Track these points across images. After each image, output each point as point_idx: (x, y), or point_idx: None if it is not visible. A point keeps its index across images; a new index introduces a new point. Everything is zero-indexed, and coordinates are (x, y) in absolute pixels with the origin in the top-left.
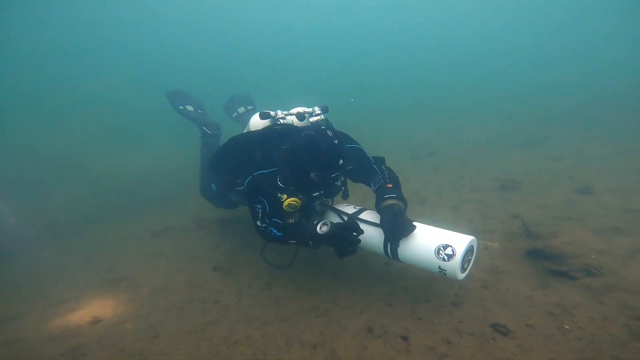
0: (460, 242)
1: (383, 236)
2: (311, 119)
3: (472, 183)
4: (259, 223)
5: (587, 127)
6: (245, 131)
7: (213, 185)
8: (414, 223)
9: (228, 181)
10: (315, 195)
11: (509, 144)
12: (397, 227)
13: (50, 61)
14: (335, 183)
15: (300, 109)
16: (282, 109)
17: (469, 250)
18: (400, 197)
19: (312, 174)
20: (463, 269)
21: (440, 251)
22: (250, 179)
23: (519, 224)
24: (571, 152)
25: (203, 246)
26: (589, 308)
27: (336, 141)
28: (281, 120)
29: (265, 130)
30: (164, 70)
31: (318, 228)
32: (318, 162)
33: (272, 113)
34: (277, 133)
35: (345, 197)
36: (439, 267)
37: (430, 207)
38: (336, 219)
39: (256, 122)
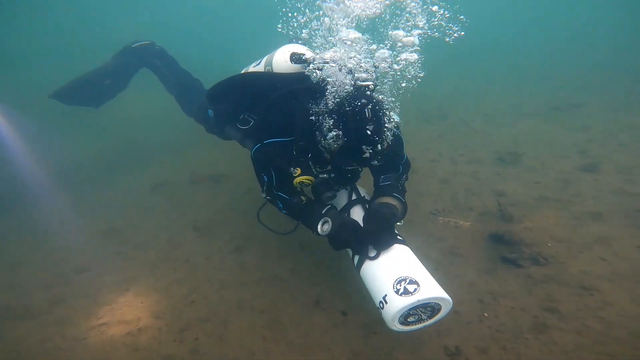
0: (432, 289)
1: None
2: (357, 75)
3: (472, 153)
4: (263, 194)
5: (633, 93)
6: (262, 66)
7: (210, 112)
8: (401, 246)
9: (227, 113)
10: (324, 179)
11: (534, 110)
12: (376, 236)
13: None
14: (349, 174)
15: (349, 57)
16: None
17: (433, 308)
18: (397, 197)
19: (330, 153)
20: (405, 319)
21: (402, 282)
22: (258, 146)
23: (500, 202)
24: (601, 122)
25: (192, 203)
26: (516, 298)
27: (371, 127)
28: (317, 73)
29: (293, 77)
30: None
31: (319, 227)
32: (344, 150)
33: (308, 56)
34: (309, 92)
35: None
36: (384, 296)
37: (418, 177)
38: (343, 201)
39: (281, 64)
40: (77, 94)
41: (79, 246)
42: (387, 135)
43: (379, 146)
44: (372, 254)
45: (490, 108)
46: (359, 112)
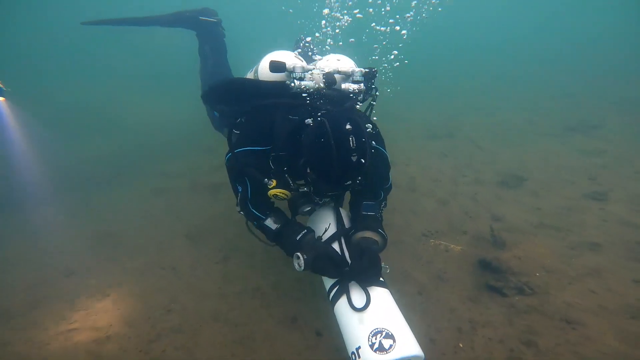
0: (408, 347)
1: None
2: (344, 85)
3: (475, 174)
4: (237, 208)
5: None
6: (252, 74)
7: (216, 113)
8: (381, 289)
9: (225, 115)
10: (302, 192)
11: (547, 130)
12: (366, 274)
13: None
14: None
15: (334, 64)
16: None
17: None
18: (381, 233)
19: (309, 175)
20: None
21: (378, 336)
22: (230, 156)
23: (494, 228)
24: (618, 146)
25: (189, 209)
26: (496, 328)
27: (355, 158)
28: (299, 83)
29: (277, 85)
30: None
31: (295, 263)
32: (319, 168)
33: (289, 65)
34: (287, 94)
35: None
36: (358, 348)
37: (417, 195)
38: (321, 225)
39: (265, 72)
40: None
41: (72, 249)
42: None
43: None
44: (357, 303)
45: (499, 126)
46: (342, 138)
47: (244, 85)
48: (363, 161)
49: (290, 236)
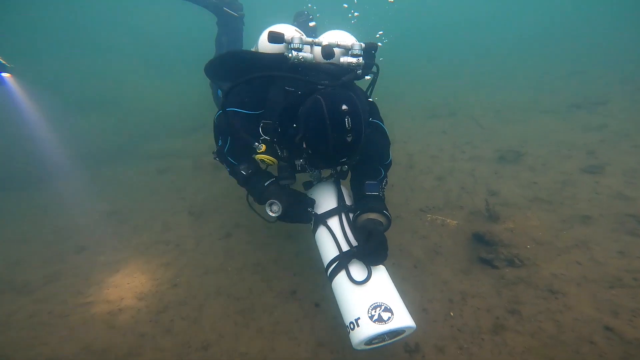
0: (404, 319)
1: (337, 250)
2: (343, 59)
3: (474, 151)
4: (214, 155)
5: None
6: (254, 49)
7: (219, 91)
8: (379, 267)
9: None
10: (297, 163)
11: (550, 107)
12: (376, 254)
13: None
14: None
15: (333, 38)
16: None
17: (398, 332)
18: (386, 214)
19: (305, 151)
20: (371, 341)
21: (377, 309)
22: (219, 113)
23: (489, 202)
24: (620, 122)
25: (192, 188)
26: (484, 298)
27: (350, 138)
28: (297, 54)
29: (275, 57)
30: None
31: (267, 209)
32: (314, 147)
33: (288, 36)
34: (286, 69)
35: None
36: (357, 319)
37: (415, 172)
38: (326, 197)
39: (265, 44)
40: None
41: (83, 226)
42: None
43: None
44: (358, 277)
45: (503, 104)
46: (338, 119)
47: (242, 57)
48: (357, 142)
49: (258, 181)
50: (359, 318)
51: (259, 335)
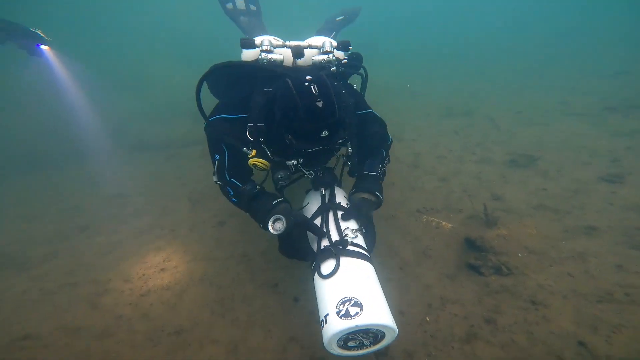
0: (375, 315)
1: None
2: (315, 58)
3: (485, 153)
4: (215, 178)
5: None
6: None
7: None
8: (362, 262)
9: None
10: (289, 164)
11: (581, 110)
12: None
13: None
14: (319, 157)
15: (306, 42)
16: (295, 39)
17: (376, 335)
18: (377, 195)
19: (287, 137)
20: (345, 343)
21: (346, 304)
22: (206, 125)
23: (489, 207)
24: None
25: (196, 176)
26: (463, 305)
27: (320, 103)
28: (266, 56)
29: (252, 63)
30: None
31: (270, 224)
32: (291, 126)
33: (258, 41)
34: (262, 70)
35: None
36: (326, 315)
37: (419, 172)
38: (313, 202)
39: (243, 53)
40: None
41: (88, 206)
42: (344, 110)
43: (335, 124)
44: (327, 271)
45: (526, 105)
46: (304, 88)
47: (224, 67)
48: (330, 108)
49: (266, 201)
50: (327, 314)
51: (233, 325)
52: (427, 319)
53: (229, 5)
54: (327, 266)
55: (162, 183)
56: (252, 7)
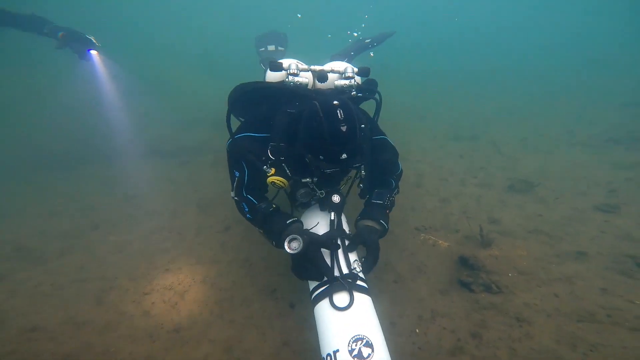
0: (383, 358)
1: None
2: (337, 82)
3: (487, 177)
4: (232, 193)
5: None
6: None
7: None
8: (364, 297)
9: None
10: (304, 182)
11: (585, 140)
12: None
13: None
14: (334, 178)
15: (329, 65)
16: (318, 64)
17: None
18: (382, 223)
19: (307, 156)
20: None
21: (358, 342)
22: (230, 141)
23: (485, 229)
24: None
25: (205, 182)
26: (452, 319)
27: (344, 127)
28: (293, 79)
29: (277, 84)
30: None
31: (286, 243)
32: (313, 147)
33: (285, 64)
34: (287, 92)
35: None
36: (335, 351)
37: (421, 192)
38: (321, 224)
39: (268, 74)
40: None
41: (104, 206)
42: (363, 136)
43: (355, 148)
44: (340, 304)
45: (531, 132)
46: (331, 110)
47: (249, 87)
48: (353, 133)
49: (280, 220)
50: (337, 350)
51: (231, 326)
52: (417, 330)
53: (262, 49)
54: (339, 299)
55: (174, 188)
56: (280, 49)
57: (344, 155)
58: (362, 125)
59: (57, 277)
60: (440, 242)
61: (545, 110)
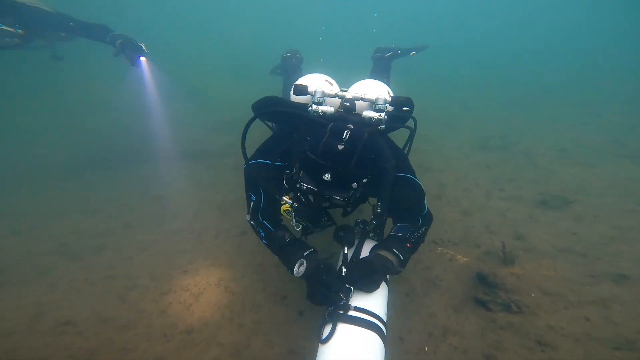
0: None
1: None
2: (365, 113)
3: (515, 190)
4: (248, 217)
5: None
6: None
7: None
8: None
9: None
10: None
11: (636, 152)
12: (355, 277)
13: None
14: (313, 206)
15: (359, 91)
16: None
17: None
18: (400, 259)
19: (296, 165)
20: None
21: None
22: (246, 167)
23: (508, 245)
24: None
25: (228, 185)
26: (465, 338)
27: (341, 147)
28: (317, 108)
29: (300, 110)
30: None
31: (296, 268)
32: (301, 156)
33: (311, 89)
34: (309, 122)
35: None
36: None
37: (441, 204)
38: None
39: (292, 94)
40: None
41: (135, 206)
42: (365, 168)
43: (341, 175)
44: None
45: (573, 143)
46: (338, 130)
47: (273, 101)
48: (349, 156)
49: (297, 251)
50: None
51: (239, 330)
52: (426, 348)
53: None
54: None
55: (199, 190)
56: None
57: (327, 176)
58: (372, 156)
59: (90, 273)
60: (459, 256)
61: (592, 118)
